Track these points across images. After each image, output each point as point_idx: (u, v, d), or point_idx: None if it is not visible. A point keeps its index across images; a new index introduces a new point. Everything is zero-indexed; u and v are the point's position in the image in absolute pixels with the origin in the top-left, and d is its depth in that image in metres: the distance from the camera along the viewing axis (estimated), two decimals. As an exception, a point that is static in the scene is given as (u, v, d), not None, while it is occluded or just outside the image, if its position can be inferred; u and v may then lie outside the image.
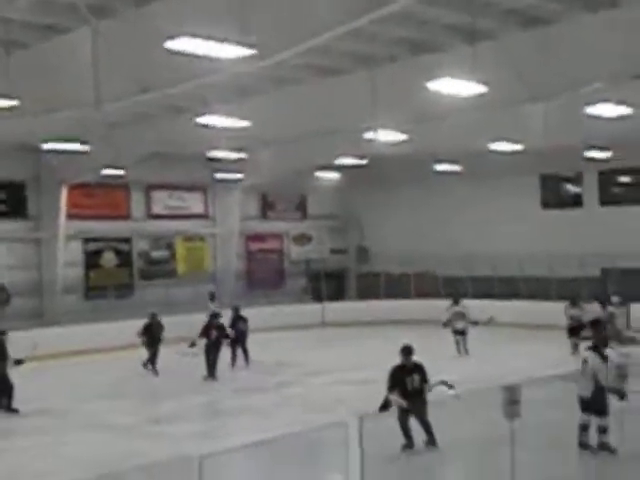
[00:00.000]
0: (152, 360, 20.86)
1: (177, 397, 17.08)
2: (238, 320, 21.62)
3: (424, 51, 16.37)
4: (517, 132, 21.66)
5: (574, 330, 21.24)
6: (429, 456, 11.64)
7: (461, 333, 22.55)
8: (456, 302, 23.12)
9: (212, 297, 25.22)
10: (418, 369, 12.23)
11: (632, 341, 21.46)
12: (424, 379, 12.16)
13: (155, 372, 20.69)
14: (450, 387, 11.96)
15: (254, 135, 21.50)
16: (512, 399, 9.50)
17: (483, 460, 11.32)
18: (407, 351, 12.37)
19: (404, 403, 11.62)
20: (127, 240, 30.29)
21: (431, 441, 11.83)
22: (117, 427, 14.87)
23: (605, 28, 14.00)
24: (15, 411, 16.22)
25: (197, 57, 11.04)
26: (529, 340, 23.85)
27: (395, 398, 11.78)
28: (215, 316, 20.78)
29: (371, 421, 8.38)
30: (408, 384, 12.01)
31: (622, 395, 10.97)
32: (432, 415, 11.83)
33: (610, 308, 22.32)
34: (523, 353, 21.68)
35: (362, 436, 8.17)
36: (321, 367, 20.56)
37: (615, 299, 23.41)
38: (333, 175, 32.28)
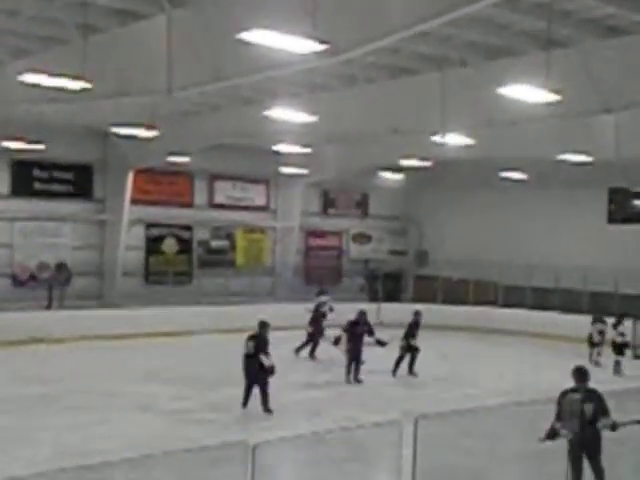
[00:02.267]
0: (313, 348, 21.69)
1: (228, 386, 17.14)
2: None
3: (497, 56, 16.21)
4: (587, 143, 21.28)
5: (617, 348, 20.75)
6: (484, 465, 11.41)
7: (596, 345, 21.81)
8: (599, 320, 22.17)
9: (322, 292, 25.15)
10: (592, 397, 9.61)
11: None
12: (600, 410, 9.47)
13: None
14: None
15: (321, 131, 21.49)
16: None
17: (539, 472, 11.08)
18: (581, 374, 9.83)
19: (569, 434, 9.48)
20: (188, 228, 30.61)
21: None
22: (165, 411, 14.98)
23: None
24: (270, 411, 14.62)
25: (269, 49, 11.05)
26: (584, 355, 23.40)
27: (564, 432, 9.52)
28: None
29: (426, 425, 8.28)
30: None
31: None
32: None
33: None
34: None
35: (417, 438, 8.07)
36: (375, 367, 20.46)
37: None
38: (396, 176, 32.13)
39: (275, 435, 9.20)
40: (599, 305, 26.94)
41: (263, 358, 14.52)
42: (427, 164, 26.20)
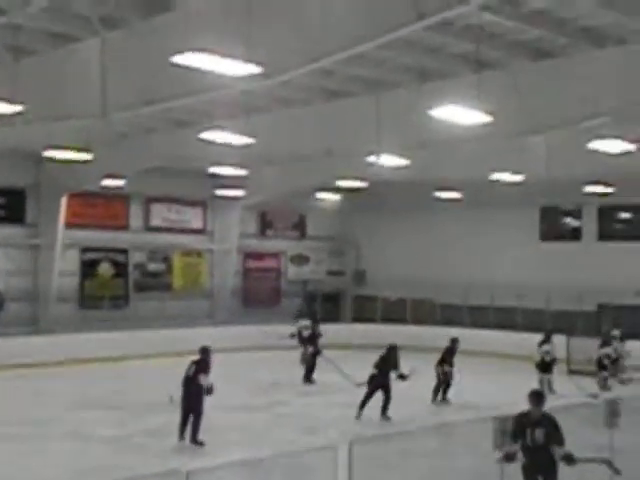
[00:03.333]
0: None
1: (167, 411, 16.98)
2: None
3: (430, 78, 16.44)
4: (519, 163, 21.71)
5: (546, 366, 20.54)
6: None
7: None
8: (548, 339, 21.04)
9: (301, 315, 25.28)
10: (545, 422, 9.35)
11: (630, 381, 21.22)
12: (552, 436, 9.22)
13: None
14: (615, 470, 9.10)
15: (257, 153, 21.51)
16: (503, 430, 9.40)
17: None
18: (536, 398, 9.54)
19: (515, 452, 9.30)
20: (124, 251, 30.23)
21: None
22: (102, 439, 14.77)
23: (611, 63, 14.08)
24: (200, 444, 14.19)
25: (203, 72, 11.06)
26: (519, 372, 23.68)
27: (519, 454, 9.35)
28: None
29: (362, 446, 8.27)
30: (528, 438, 9.29)
31: None
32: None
33: (615, 344, 21.52)
34: (511, 385, 21.56)
35: (352, 460, 8.05)
36: (313, 388, 20.47)
37: (616, 332, 22.33)
38: (333, 197, 32.32)
39: (211, 461, 9.10)
40: (532, 322, 27.43)
41: (201, 377, 14.25)
42: (363, 185, 26.40)
